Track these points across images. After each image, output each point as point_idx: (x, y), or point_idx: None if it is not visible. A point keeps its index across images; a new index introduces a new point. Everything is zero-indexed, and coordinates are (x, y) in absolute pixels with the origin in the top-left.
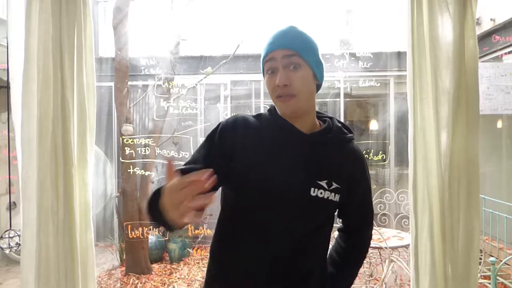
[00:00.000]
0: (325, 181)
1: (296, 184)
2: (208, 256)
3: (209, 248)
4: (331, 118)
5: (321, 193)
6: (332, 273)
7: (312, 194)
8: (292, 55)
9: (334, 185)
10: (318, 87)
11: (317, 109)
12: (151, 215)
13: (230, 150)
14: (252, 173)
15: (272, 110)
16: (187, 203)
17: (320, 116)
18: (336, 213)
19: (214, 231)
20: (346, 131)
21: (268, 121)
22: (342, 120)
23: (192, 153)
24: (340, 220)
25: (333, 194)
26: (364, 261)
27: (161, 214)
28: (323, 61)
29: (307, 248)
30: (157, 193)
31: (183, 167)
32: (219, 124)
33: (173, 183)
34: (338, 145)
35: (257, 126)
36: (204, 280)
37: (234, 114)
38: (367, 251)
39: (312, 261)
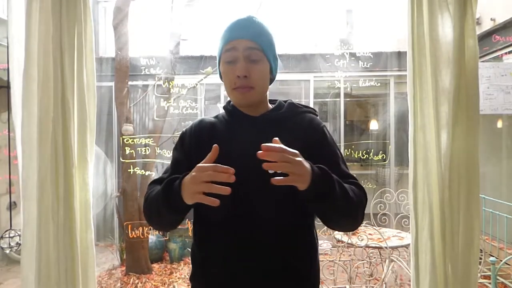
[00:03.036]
0: None
1: (253, 167)
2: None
3: None
4: (285, 100)
5: None
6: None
7: (271, 172)
8: (255, 48)
9: None
10: (271, 80)
11: (316, 109)
12: (166, 191)
13: (191, 152)
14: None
15: (226, 105)
16: (206, 185)
17: (274, 101)
18: None
19: (192, 235)
20: (302, 106)
21: (223, 116)
22: (342, 120)
23: (168, 167)
24: None
25: None
26: (364, 261)
27: (175, 194)
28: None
29: (289, 233)
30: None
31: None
32: (180, 133)
33: (209, 164)
34: (292, 119)
35: (213, 123)
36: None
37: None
38: (362, 197)
39: (299, 248)
